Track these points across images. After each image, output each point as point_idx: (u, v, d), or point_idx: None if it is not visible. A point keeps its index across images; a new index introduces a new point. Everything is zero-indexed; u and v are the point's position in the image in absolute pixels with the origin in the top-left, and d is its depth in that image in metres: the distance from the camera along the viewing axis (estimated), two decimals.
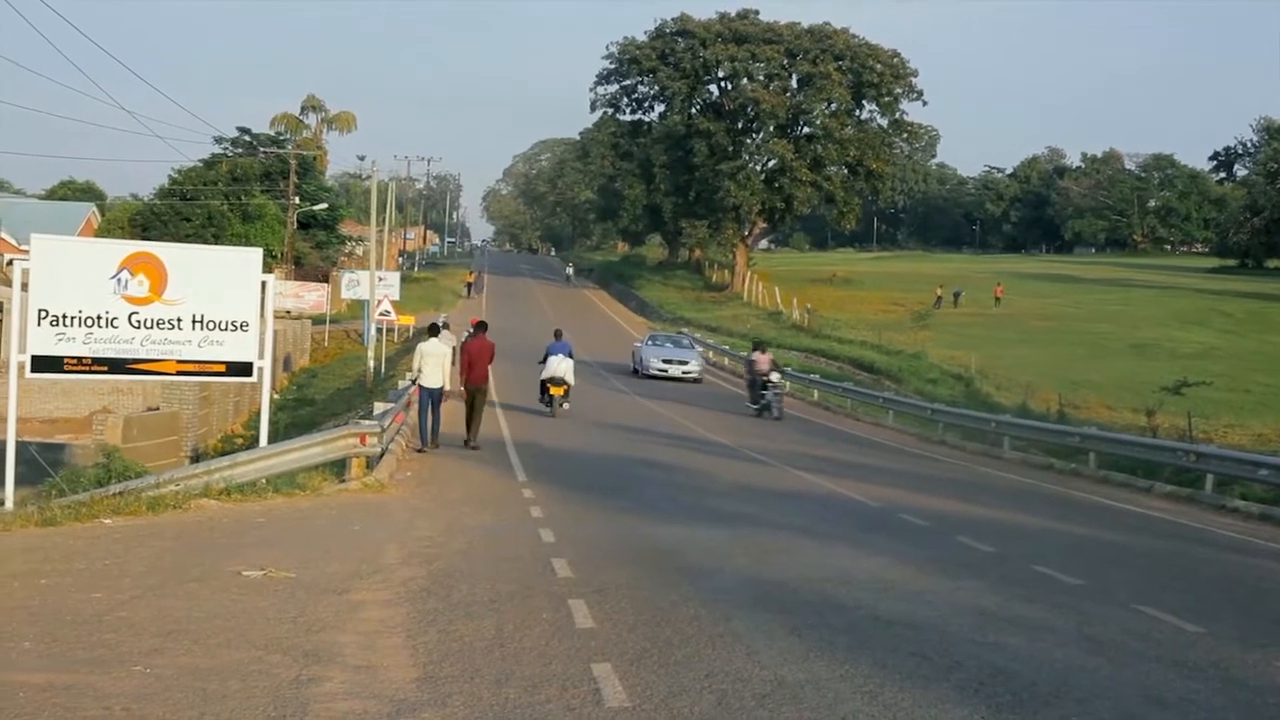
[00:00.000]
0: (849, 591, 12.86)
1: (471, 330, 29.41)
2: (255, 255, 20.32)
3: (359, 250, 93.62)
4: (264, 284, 20.13)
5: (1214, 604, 13.45)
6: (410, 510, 18.22)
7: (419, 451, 25.66)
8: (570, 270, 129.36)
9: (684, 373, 52.12)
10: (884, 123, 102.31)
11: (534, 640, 10.21)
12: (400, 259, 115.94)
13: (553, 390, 35.32)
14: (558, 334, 37.77)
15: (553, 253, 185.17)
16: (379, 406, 25.05)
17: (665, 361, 52.47)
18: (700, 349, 58.30)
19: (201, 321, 19.27)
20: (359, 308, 66.73)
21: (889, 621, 11.49)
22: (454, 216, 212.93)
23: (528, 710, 8.27)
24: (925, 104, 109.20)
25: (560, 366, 35.45)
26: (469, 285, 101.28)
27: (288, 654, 9.53)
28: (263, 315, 20.12)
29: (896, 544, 16.61)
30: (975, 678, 9.48)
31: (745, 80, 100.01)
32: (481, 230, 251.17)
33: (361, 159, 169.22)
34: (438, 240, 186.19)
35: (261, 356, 20.07)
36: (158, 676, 8.75)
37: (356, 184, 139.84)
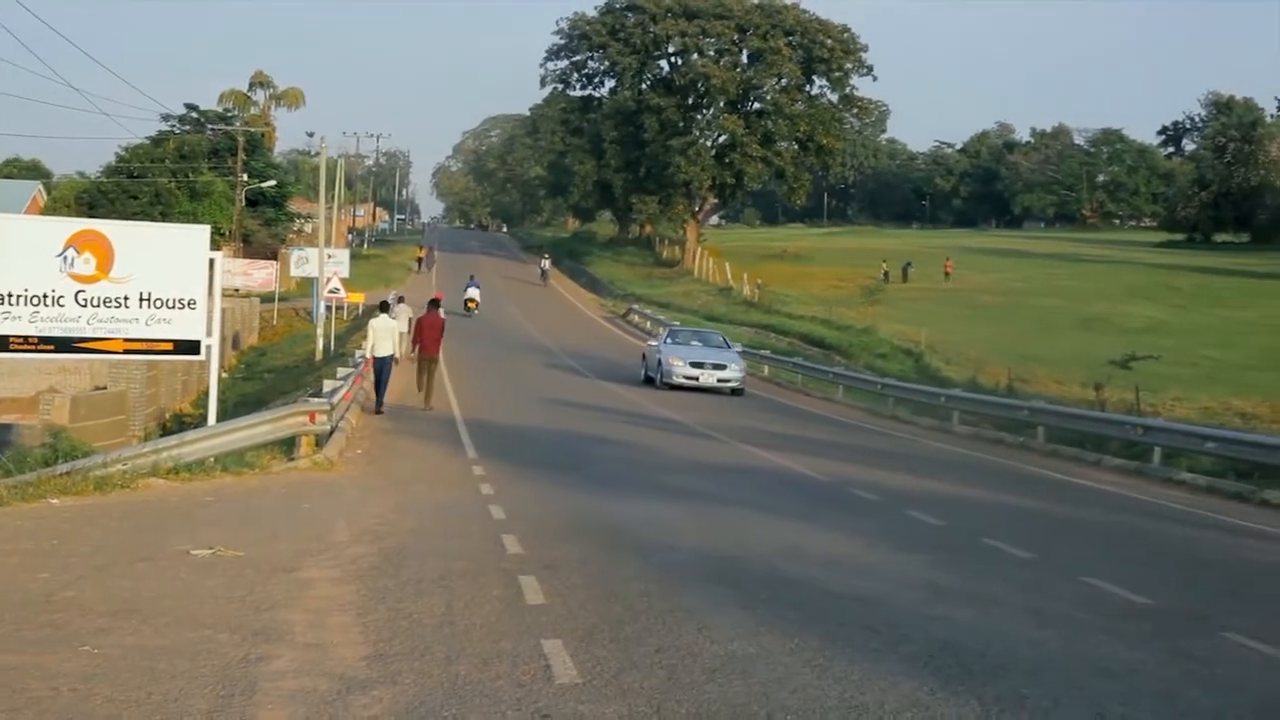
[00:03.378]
0: (799, 566, 12.90)
1: (426, 307, 32.10)
2: (203, 232, 20.27)
3: (308, 228, 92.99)
4: (212, 261, 20.04)
5: (1161, 576, 13.54)
6: (360, 488, 18.19)
7: (376, 413, 28.41)
8: (546, 263, 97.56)
9: (720, 381, 39.60)
10: (834, 98, 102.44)
11: (484, 617, 10.19)
12: (349, 236, 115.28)
13: (470, 305, 64.28)
14: (471, 277, 68.65)
15: (504, 229, 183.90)
16: (328, 384, 25.03)
17: (694, 366, 39.75)
18: (738, 347, 45.57)
19: (149, 299, 19.17)
20: (308, 285, 66.27)
21: (839, 595, 11.54)
22: (403, 193, 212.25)
23: (478, 687, 8.24)
24: (875, 79, 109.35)
25: (473, 292, 66.09)
26: (420, 260, 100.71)
27: (236, 632, 9.49)
28: (211, 293, 20.02)
29: (847, 518, 16.67)
30: (924, 650, 9.51)
31: (696, 56, 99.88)
32: (431, 207, 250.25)
33: (310, 136, 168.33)
34: (387, 217, 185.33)
35: (210, 334, 20.00)
36: (106, 656, 8.70)
37: (305, 161, 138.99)
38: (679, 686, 8.37)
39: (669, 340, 42.65)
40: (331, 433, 22.09)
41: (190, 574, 11.61)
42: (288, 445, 21.20)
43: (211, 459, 19.29)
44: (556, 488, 18.40)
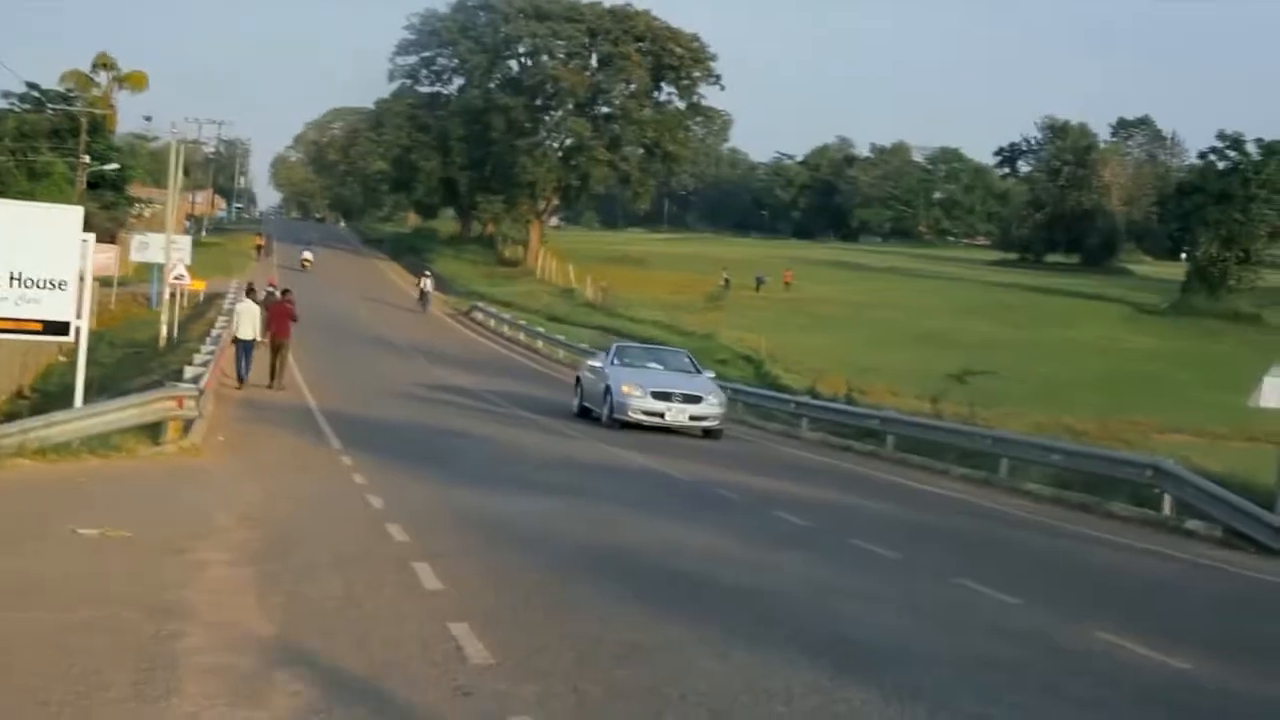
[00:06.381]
0: (684, 561, 13.22)
1: (279, 294, 35.43)
2: (76, 214, 20.16)
3: (147, 212, 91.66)
4: (85, 243, 19.90)
5: (1026, 579, 14.03)
6: (230, 475, 18.28)
7: (236, 388, 30.84)
8: (427, 284, 74.50)
9: (693, 419, 29.64)
10: (682, 105, 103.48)
11: (385, 601, 10.38)
12: (188, 223, 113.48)
13: (305, 264, 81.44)
14: (308, 242, 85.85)
15: (341, 223, 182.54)
16: (190, 370, 24.88)
17: (658, 398, 29.44)
18: (710, 373, 32.85)
19: (19, 279, 18.98)
20: (146, 271, 65.30)
21: (728, 589, 11.89)
22: (241, 182, 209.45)
23: (393, 667, 8.42)
24: (723, 89, 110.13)
25: (307, 254, 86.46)
26: (259, 248, 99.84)
27: (142, 610, 9.58)
28: (82, 275, 19.87)
29: (719, 517, 17.08)
30: (819, 641, 9.86)
31: (545, 57, 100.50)
32: (269, 197, 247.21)
33: (148, 120, 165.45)
34: (225, 205, 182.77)
35: (79, 316, 19.85)
36: (18, 632, 8.80)
37: (143, 145, 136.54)
38: (591, 669, 8.60)
39: (617, 360, 31.78)
40: (194, 419, 21.99)
41: (84, 553, 11.72)
42: (152, 430, 21.04)
43: (76, 441, 19.15)
44: (429, 480, 18.52)
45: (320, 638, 9.10)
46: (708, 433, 29.58)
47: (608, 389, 29.91)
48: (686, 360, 33.28)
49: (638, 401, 29.29)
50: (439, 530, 14.08)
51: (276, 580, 11.02)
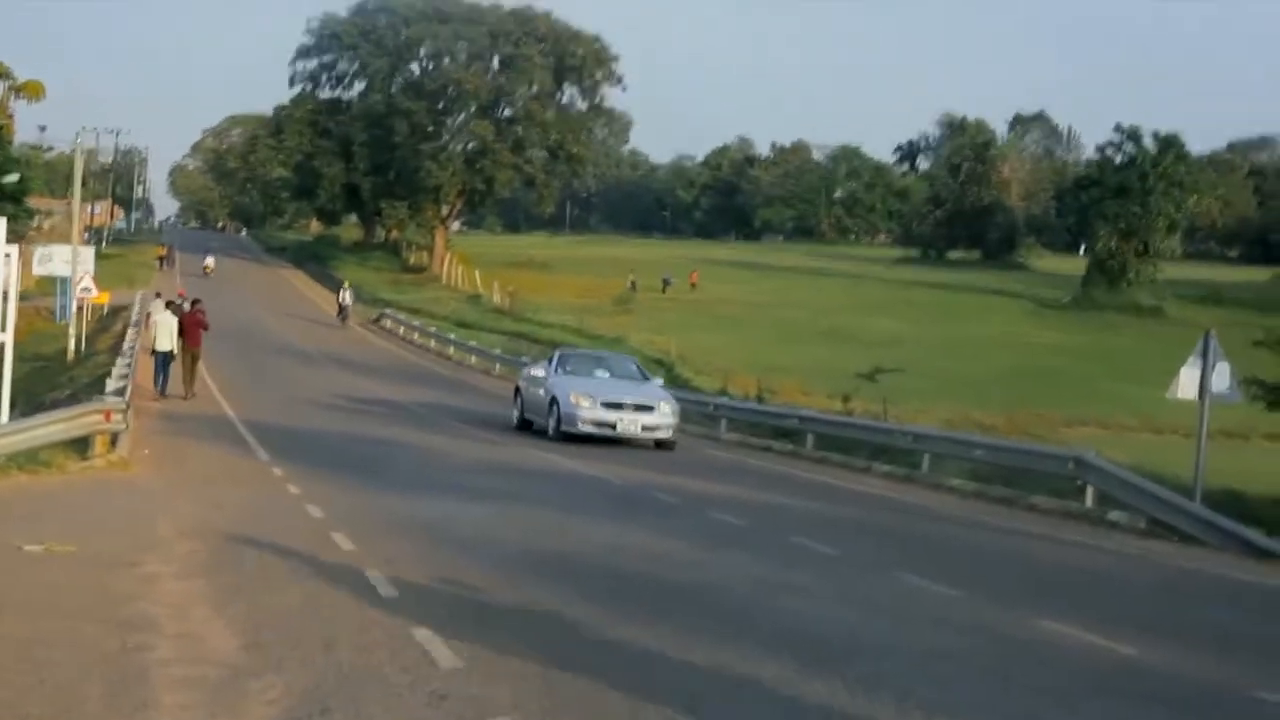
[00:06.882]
0: (628, 561, 13.41)
1: (189, 305, 35.61)
2: None
3: (46, 224, 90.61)
4: (8, 255, 19.73)
5: (964, 572, 14.33)
6: (164, 488, 18.28)
7: (154, 400, 31.09)
8: (347, 296, 70.44)
9: (645, 429, 28.00)
10: (584, 107, 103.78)
11: (345, 609, 10.46)
12: (87, 235, 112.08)
13: (206, 269, 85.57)
14: (207, 250, 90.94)
15: (243, 232, 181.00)
16: (112, 383, 24.72)
17: (609, 407, 27.83)
18: (659, 381, 31.75)
19: None
20: (48, 284, 64.51)
21: (676, 588, 12.09)
22: (140, 191, 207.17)
23: (366, 673, 8.53)
24: (625, 89, 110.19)
25: (209, 260, 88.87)
26: (161, 259, 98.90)
27: (103, 624, 9.65)
28: (6, 289, 19.71)
29: (655, 519, 17.24)
30: (776, 637, 10.06)
31: (447, 60, 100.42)
32: (167, 206, 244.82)
33: (43, 129, 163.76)
34: (124, 216, 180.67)
35: (3, 330, 19.70)
36: None
37: (38, 155, 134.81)
38: (559, 669, 8.73)
39: (561, 369, 29.91)
40: (121, 432, 21.87)
41: (33, 568, 11.73)
42: (79, 444, 20.91)
43: (3, 458, 18.99)
44: (364, 489, 18.56)
45: (287, 647, 9.16)
46: (660, 444, 28.09)
47: (554, 400, 28.34)
48: (634, 367, 31.88)
49: (587, 412, 27.73)
50: (383, 537, 14.15)
51: (234, 592, 11.11)
